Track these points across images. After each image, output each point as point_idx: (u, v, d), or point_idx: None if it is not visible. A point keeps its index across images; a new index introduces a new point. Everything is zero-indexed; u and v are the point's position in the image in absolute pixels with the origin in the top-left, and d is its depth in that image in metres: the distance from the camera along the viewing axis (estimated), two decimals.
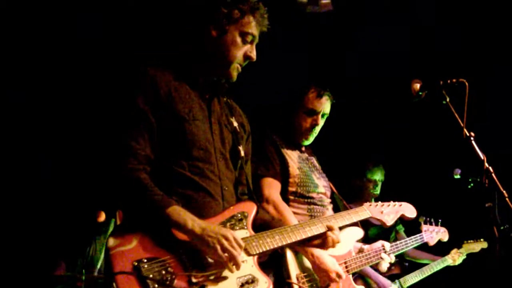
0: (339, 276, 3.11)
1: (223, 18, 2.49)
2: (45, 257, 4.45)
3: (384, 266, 3.53)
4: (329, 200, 3.65)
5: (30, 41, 4.59)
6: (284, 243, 2.45)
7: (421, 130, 5.96)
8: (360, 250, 3.47)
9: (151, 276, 2.07)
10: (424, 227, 4.37)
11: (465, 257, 5.40)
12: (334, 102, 3.69)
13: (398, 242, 3.96)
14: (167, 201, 2.22)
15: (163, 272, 2.11)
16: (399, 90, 3.40)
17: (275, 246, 2.41)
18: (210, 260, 2.22)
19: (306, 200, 3.49)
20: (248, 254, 2.32)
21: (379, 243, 3.56)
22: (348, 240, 3.44)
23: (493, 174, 2.63)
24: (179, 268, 2.16)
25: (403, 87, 3.07)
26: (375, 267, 3.71)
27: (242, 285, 2.25)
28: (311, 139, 3.68)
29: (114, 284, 2.03)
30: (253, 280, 2.28)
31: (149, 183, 2.26)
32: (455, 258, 5.31)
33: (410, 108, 3.65)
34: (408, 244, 4.05)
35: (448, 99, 2.84)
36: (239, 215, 2.45)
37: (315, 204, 3.51)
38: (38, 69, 4.70)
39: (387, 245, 3.58)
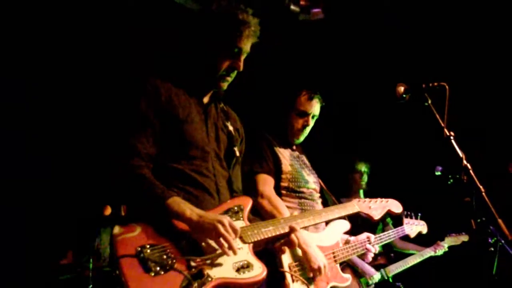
0: (319, 270, 3.17)
1: (211, 33, 2.57)
2: (53, 247, 4.50)
3: (369, 256, 3.63)
4: (318, 195, 3.76)
5: (41, 47, 4.67)
6: (278, 233, 2.53)
7: (405, 130, 6.06)
8: (347, 242, 3.56)
9: (152, 259, 2.16)
10: (406, 220, 4.52)
11: (447, 249, 5.56)
12: (323, 105, 3.81)
13: (381, 234, 4.09)
14: (167, 193, 2.33)
15: (164, 256, 2.20)
16: (385, 92, 3.54)
17: (269, 235, 2.50)
18: (207, 246, 2.31)
19: (297, 195, 3.60)
20: (244, 242, 2.41)
21: (364, 235, 3.66)
22: (336, 232, 3.56)
23: (471, 171, 2.72)
24: (179, 253, 2.25)
25: (389, 90, 3.20)
26: (361, 257, 3.81)
27: (238, 269, 2.32)
28: (301, 138, 3.80)
29: (118, 267, 2.12)
30: (248, 265, 2.36)
31: (151, 178, 2.38)
32: (437, 249, 5.48)
33: (395, 110, 3.75)
34: (390, 236, 4.19)
35: (430, 101, 2.95)
36: (236, 208, 2.57)
37: (305, 198, 3.61)
38: (51, 75, 4.80)
39: (372, 237, 3.68)
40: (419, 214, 4.68)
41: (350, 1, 5.30)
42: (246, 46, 2.60)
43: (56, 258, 4.43)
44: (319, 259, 3.20)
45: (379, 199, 3.56)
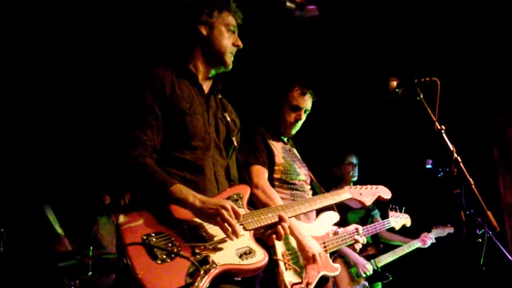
0: (314, 258, 3.24)
1: (207, 17, 2.72)
2: (48, 232, 4.53)
3: (357, 247, 3.67)
4: (309, 187, 3.80)
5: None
6: (277, 219, 2.53)
7: (397, 124, 6.10)
8: (336, 233, 3.60)
9: (158, 246, 2.17)
10: (391, 213, 4.60)
11: (434, 240, 5.62)
12: (315, 100, 3.85)
13: (369, 226, 4.19)
14: (170, 180, 2.34)
15: (169, 244, 2.21)
16: (377, 86, 3.55)
17: (269, 222, 2.50)
18: (209, 233, 2.33)
19: (289, 186, 3.64)
20: (245, 229, 2.42)
21: (352, 227, 3.69)
22: (326, 223, 3.62)
23: (461, 164, 2.73)
24: (183, 240, 2.26)
25: (381, 84, 3.22)
26: (350, 247, 3.88)
27: (241, 255, 2.33)
28: (293, 132, 3.84)
29: (126, 255, 2.12)
30: (250, 252, 2.37)
31: (155, 167, 2.40)
32: (425, 241, 5.54)
33: (388, 104, 3.77)
34: (377, 228, 4.28)
35: (421, 96, 2.96)
36: (235, 196, 2.59)
37: (297, 190, 3.65)
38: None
39: (360, 228, 3.72)
40: (403, 207, 4.76)
41: None
42: (236, 24, 2.81)
43: (51, 244, 4.44)
44: (313, 247, 3.26)
45: (369, 186, 3.61)
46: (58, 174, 4.88)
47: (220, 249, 2.31)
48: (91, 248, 4.00)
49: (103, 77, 4.98)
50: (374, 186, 3.63)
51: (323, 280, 3.42)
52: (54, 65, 4.78)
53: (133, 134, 2.45)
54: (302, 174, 3.76)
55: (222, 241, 2.32)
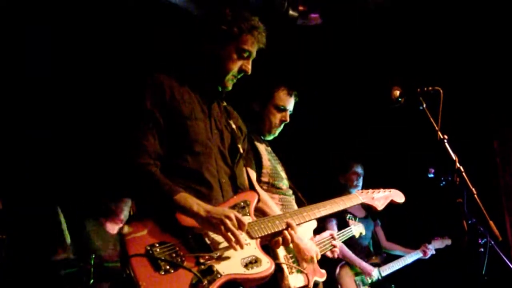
0: (312, 260, 3.21)
1: (222, 34, 2.60)
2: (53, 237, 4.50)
3: (335, 254, 3.61)
4: (291, 192, 3.68)
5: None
6: (284, 227, 2.50)
7: (400, 133, 6.09)
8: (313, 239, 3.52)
9: (162, 257, 2.15)
10: (350, 222, 4.58)
11: (434, 252, 5.62)
12: (297, 101, 3.73)
13: (339, 232, 4.08)
14: (174, 189, 2.32)
15: (173, 254, 2.19)
16: (381, 96, 3.54)
17: (276, 230, 2.47)
18: (214, 242, 2.30)
19: (277, 190, 3.53)
20: (251, 237, 2.39)
21: (327, 233, 3.63)
22: (307, 230, 3.51)
23: (463, 173, 2.72)
24: (187, 250, 2.24)
25: (384, 93, 3.21)
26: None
27: (246, 265, 2.30)
28: (277, 133, 3.71)
29: (129, 266, 2.11)
30: (256, 260, 2.33)
31: (159, 175, 2.37)
32: (426, 252, 5.55)
33: (391, 113, 3.75)
34: (345, 234, 4.15)
35: (424, 105, 2.95)
36: (242, 203, 2.55)
37: (284, 194, 3.55)
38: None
39: (334, 233, 3.67)
40: (357, 217, 4.81)
41: (348, 5, 5.30)
42: (255, 50, 2.67)
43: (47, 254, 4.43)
44: (311, 249, 3.22)
45: (381, 190, 3.44)
46: (57, 175, 4.86)
47: (225, 258, 2.29)
48: (93, 256, 3.97)
49: (103, 77, 4.96)
50: (387, 190, 3.45)
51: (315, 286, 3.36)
52: (54, 65, 4.76)
53: (135, 141, 2.42)
54: (285, 179, 3.66)
55: (227, 249, 2.29)
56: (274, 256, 3.08)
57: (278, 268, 3.10)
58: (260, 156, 3.52)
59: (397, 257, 5.47)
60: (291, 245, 3.21)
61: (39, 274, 4.36)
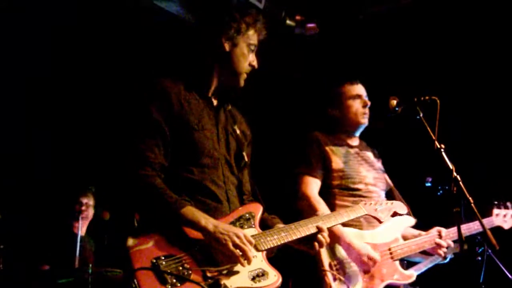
0: (370, 259, 3.18)
1: (234, 32, 2.53)
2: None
3: (440, 252, 3.49)
4: (378, 190, 3.64)
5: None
6: (290, 239, 2.45)
7: (397, 142, 6.08)
8: (413, 236, 3.48)
9: (168, 271, 2.10)
10: None
11: (453, 256, 5.55)
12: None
13: (451, 229, 3.64)
14: (180, 202, 2.26)
15: (180, 268, 2.14)
16: (378, 105, 3.54)
17: (282, 242, 2.42)
18: (221, 255, 2.24)
19: (351, 193, 3.49)
20: (257, 250, 2.34)
21: (434, 230, 3.54)
22: (395, 228, 3.48)
23: (460, 182, 2.71)
24: (194, 264, 2.18)
25: (382, 103, 3.21)
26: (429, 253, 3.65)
27: (254, 278, 2.27)
28: (366, 121, 3.69)
29: (135, 280, 2.05)
30: (263, 274, 2.30)
31: (164, 187, 2.29)
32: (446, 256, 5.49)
33: (388, 122, 3.75)
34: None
35: (421, 114, 2.97)
36: (247, 215, 2.48)
37: (360, 196, 3.48)
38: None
39: (443, 230, 3.53)
40: None
41: (345, 14, 5.32)
42: (257, 42, 2.63)
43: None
44: (364, 251, 3.20)
45: (384, 201, 3.36)
46: (58, 176, 4.87)
47: (233, 272, 2.23)
48: (91, 266, 3.95)
49: (103, 77, 4.95)
50: (389, 202, 3.38)
51: None
52: (54, 65, 4.76)
53: (140, 152, 2.33)
54: (371, 178, 3.62)
55: (235, 263, 2.25)
56: (320, 264, 3.10)
57: (321, 276, 3.09)
58: (329, 161, 3.52)
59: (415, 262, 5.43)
60: (342, 252, 3.23)
61: (36, 284, 4.34)
